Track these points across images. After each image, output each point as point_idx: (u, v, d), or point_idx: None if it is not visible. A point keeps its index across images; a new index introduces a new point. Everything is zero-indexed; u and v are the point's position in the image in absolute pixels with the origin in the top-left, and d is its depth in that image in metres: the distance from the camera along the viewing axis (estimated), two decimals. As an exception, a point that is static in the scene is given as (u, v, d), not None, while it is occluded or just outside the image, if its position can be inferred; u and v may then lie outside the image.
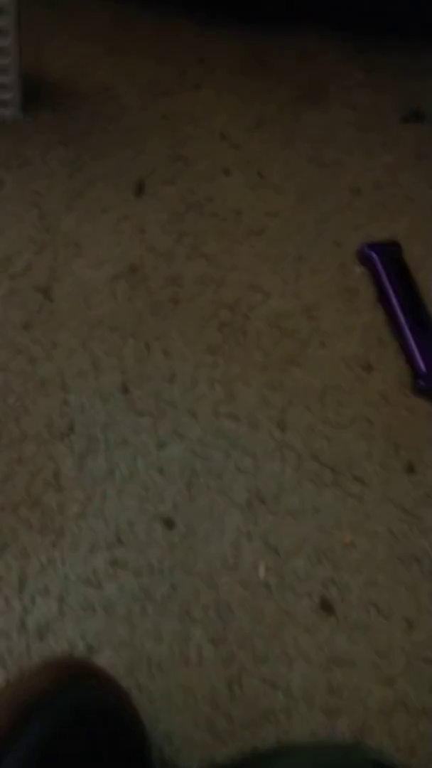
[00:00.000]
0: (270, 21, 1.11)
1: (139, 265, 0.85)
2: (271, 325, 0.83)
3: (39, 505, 0.70)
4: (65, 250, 0.85)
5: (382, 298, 0.86)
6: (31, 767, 0.44)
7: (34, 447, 0.73)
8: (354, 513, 0.73)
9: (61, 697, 0.48)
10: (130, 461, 0.73)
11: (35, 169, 0.92)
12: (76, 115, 0.97)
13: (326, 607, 0.68)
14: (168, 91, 1.02)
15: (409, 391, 0.81)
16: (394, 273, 0.87)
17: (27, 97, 0.95)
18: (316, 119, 1.03)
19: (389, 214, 0.95)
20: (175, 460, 0.73)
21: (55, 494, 0.70)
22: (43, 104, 0.97)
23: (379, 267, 0.87)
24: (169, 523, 0.70)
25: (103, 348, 0.79)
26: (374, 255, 0.88)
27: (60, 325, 0.80)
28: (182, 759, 0.59)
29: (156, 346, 0.79)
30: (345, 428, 0.78)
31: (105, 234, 0.87)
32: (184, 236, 0.88)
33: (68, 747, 0.46)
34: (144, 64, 1.05)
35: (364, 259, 0.89)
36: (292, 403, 0.79)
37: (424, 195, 0.98)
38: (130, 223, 0.89)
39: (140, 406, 0.76)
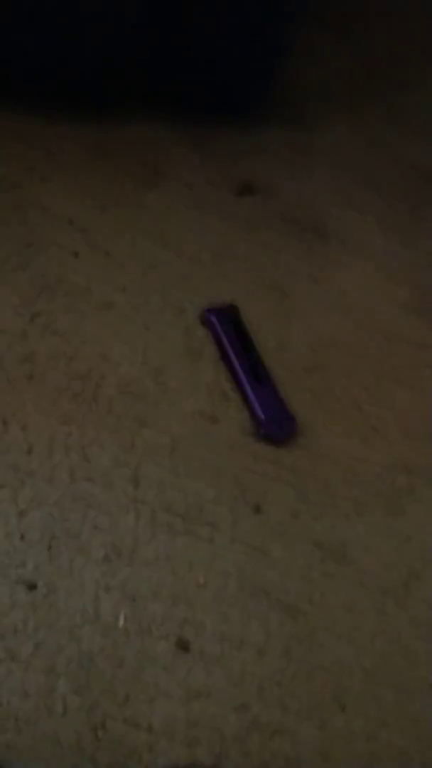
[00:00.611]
0: (109, 112, 1.21)
1: (-7, 348, 0.91)
2: (121, 391, 0.90)
3: None
4: None
5: (223, 357, 0.95)
6: None
7: None
8: (205, 555, 0.80)
9: None
10: (-9, 531, 0.78)
11: None
12: None
13: (182, 645, 0.74)
14: (17, 185, 1.10)
15: (251, 438, 0.89)
16: (233, 333, 0.96)
17: None
18: (157, 199, 1.12)
19: (227, 280, 1.04)
20: (35, 526, 0.79)
21: None
22: None
23: (219, 329, 0.96)
24: (31, 585, 0.75)
25: (-38, 428, 0.84)
26: (214, 318, 0.97)
27: None
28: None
29: (12, 421, 0.85)
30: (194, 478, 0.85)
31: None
32: (36, 317, 0.95)
33: None
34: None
35: (205, 323, 0.98)
36: (144, 460, 0.85)
37: (258, 260, 1.08)
38: (-17, 308, 0.95)
39: (-1, 479, 0.81)
